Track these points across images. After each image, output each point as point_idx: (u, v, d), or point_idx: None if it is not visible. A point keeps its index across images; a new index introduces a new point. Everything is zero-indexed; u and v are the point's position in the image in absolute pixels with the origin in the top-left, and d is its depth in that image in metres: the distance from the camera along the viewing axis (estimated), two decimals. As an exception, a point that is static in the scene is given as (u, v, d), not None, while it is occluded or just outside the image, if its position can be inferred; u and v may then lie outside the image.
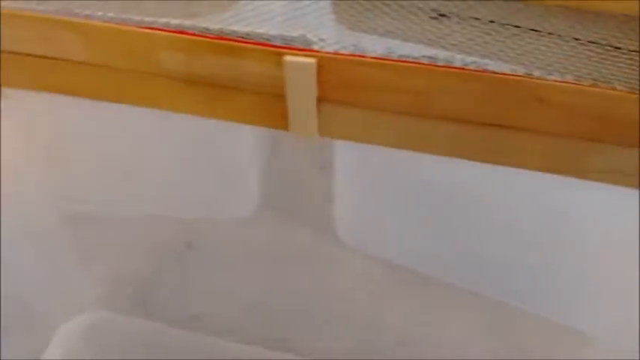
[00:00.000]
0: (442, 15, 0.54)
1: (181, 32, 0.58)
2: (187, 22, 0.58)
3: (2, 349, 0.99)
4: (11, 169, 0.83)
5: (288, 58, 0.56)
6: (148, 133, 0.89)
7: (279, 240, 1.10)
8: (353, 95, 0.58)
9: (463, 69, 0.54)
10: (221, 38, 0.57)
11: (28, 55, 0.65)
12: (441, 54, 0.54)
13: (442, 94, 0.55)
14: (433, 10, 0.54)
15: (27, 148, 0.80)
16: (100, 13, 0.60)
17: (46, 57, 0.65)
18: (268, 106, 0.61)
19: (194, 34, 0.58)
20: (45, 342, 1.08)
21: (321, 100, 0.59)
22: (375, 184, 0.96)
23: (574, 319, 0.90)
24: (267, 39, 0.57)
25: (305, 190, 1.05)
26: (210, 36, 0.58)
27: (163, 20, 0.58)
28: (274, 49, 0.56)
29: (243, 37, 0.57)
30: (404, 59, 0.55)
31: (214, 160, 0.97)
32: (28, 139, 0.79)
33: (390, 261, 1.04)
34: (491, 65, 0.53)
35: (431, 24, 0.55)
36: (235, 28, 0.57)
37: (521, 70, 0.53)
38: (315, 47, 0.56)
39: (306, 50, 0.56)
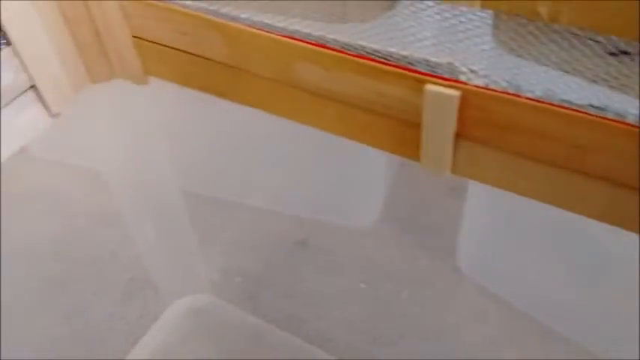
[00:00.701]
0: (623, 52, 0.46)
1: (322, 46, 0.55)
2: (329, 36, 0.54)
3: (124, 314, 1.04)
4: (143, 150, 0.86)
5: (429, 87, 0.50)
6: (278, 130, 0.87)
7: (396, 258, 1.05)
8: (497, 136, 0.51)
9: (634, 126, 0.45)
10: (361, 57, 0.53)
11: (173, 48, 0.66)
12: (613, 105, 0.46)
13: (604, 151, 0.47)
14: (612, 44, 0.46)
15: (159, 132, 0.83)
16: (244, 16, 0.58)
17: (188, 52, 0.65)
18: (401, 133, 0.56)
19: (334, 49, 0.54)
20: (156, 314, 1.13)
21: (459, 135, 0.53)
22: (508, 217, 0.87)
23: None
24: (410, 62, 0.52)
25: (431, 212, 0.99)
26: (350, 53, 0.54)
27: (306, 31, 0.55)
28: (416, 75, 0.51)
29: (384, 58, 0.53)
30: (565, 105, 0.47)
31: (342, 164, 0.94)
32: (162, 124, 0.82)
33: (509, 303, 0.95)
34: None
35: (607, 61, 0.47)
36: (378, 46, 0.53)
37: None
38: (462, 78, 0.51)
39: (451, 80, 0.50)
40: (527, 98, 0.48)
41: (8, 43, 0.62)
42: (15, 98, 0.65)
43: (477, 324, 0.99)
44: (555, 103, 0.48)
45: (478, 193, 0.88)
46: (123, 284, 1.05)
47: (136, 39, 0.67)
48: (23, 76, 0.64)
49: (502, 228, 0.90)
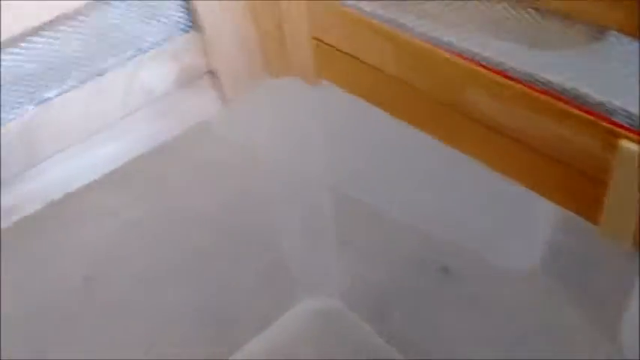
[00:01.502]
0: None
1: (501, 73, 0.49)
2: (511, 62, 0.48)
3: (255, 298, 1.07)
4: (302, 143, 0.86)
5: (625, 143, 0.42)
6: (436, 149, 0.82)
7: (547, 313, 0.94)
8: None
9: None
10: (546, 92, 0.47)
11: (347, 54, 0.64)
12: None
13: None
14: None
15: (319, 128, 0.82)
16: (412, 25, 0.54)
17: (360, 60, 0.63)
18: (580, 187, 0.49)
19: (515, 79, 0.48)
20: (285, 307, 1.14)
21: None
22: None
23: None
24: (607, 110, 0.44)
25: (600, 272, 0.88)
26: (534, 87, 0.47)
27: (485, 54, 0.50)
28: (611, 127, 0.44)
29: (574, 98, 0.46)
30: None
31: (502, 194, 0.86)
32: (323, 121, 0.81)
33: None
34: None
35: None
36: (569, 84, 0.46)
37: None
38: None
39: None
40: None
41: (195, 27, 0.64)
42: (193, 80, 0.67)
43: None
44: None
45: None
46: (260, 268, 1.07)
47: (314, 40, 0.66)
48: (204, 61, 0.66)
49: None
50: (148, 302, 0.96)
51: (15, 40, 0.52)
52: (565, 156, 0.48)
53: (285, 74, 0.72)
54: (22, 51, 0.54)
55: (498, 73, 0.49)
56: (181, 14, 0.63)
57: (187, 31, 0.64)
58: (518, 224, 0.91)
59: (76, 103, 0.59)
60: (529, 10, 0.47)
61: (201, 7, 0.62)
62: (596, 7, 0.41)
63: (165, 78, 0.64)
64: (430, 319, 1.04)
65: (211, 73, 0.68)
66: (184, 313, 1.04)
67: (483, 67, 0.50)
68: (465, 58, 0.51)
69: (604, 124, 0.44)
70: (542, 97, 0.47)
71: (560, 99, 0.46)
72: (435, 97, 0.55)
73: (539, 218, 0.88)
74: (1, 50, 0.52)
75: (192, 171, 0.91)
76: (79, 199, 0.69)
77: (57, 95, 0.57)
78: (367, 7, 0.59)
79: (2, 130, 0.55)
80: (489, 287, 1.00)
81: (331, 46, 0.65)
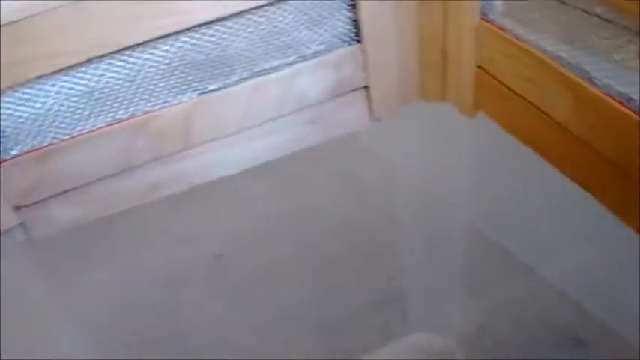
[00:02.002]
0: None
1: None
2: None
3: (366, 319, 1.05)
4: (444, 170, 0.83)
5: None
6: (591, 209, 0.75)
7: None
8: None
9: None
10: None
11: (512, 90, 0.60)
12: None
13: None
14: None
15: (464, 157, 0.79)
16: (598, 75, 0.49)
17: (527, 100, 0.58)
18: None
19: None
20: (394, 334, 1.11)
21: None
22: None
23: None
24: None
25: None
26: None
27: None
28: None
29: None
30: None
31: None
32: (470, 152, 0.78)
33: None
34: None
35: None
36: None
37: None
38: None
39: None
40: None
41: (358, 41, 0.64)
42: (347, 92, 0.67)
43: None
44: None
45: None
46: (377, 290, 1.05)
47: (478, 69, 0.63)
48: (361, 75, 0.66)
49: None
50: (263, 292, 0.99)
51: (187, 31, 0.56)
52: None
53: (439, 99, 0.70)
54: (193, 41, 0.57)
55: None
56: (347, 27, 0.63)
57: (350, 44, 0.64)
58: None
59: (235, 98, 0.61)
60: None
61: (366, 24, 0.62)
62: None
63: (321, 86, 0.65)
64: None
65: (366, 88, 0.67)
66: (294, 313, 1.06)
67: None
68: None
69: None
70: None
71: None
72: (611, 160, 0.50)
73: None
74: (173, 39, 0.56)
75: (332, 178, 0.92)
76: (221, 185, 0.73)
77: (218, 88, 0.60)
78: (548, 45, 0.54)
79: (164, 111, 0.59)
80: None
81: (495, 78, 0.62)
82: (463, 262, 0.97)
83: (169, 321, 0.93)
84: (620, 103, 0.47)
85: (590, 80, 0.50)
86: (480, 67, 0.63)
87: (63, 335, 0.74)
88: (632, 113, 0.46)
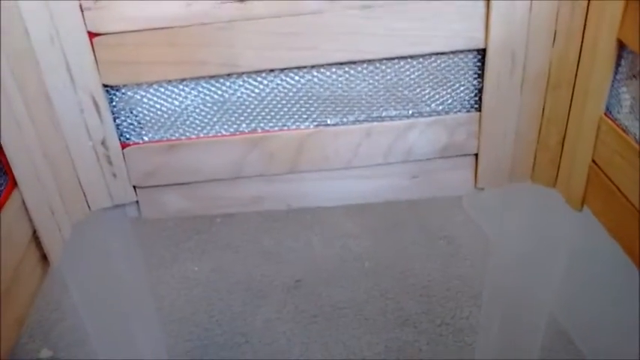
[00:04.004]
0: None
1: None
2: None
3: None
4: (536, 264, 0.81)
5: None
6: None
7: None
8: None
9: None
10: None
11: (622, 194, 0.58)
12: None
13: None
14: None
15: (562, 257, 0.76)
16: None
17: (635, 207, 0.56)
18: None
19: None
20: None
21: None
22: None
23: None
24: None
25: None
26: None
27: None
28: None
29: None
30: None
31: None
32: (569, 251, 0.75)
33: None
34: None
35: None
36: None
37: None
38: None
39: None
40: None
41: (477, 109, 0.66)
42: (456, 156, 0.69)
43: None
44: None
45: None
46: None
47: (593, 164, 0.62)
48: (473, 143, 0.67)
49: None
50: (331, 326, 1.00)
51: (320, 67, 0.60)
52: None
53: (548, 185, 0.69)
54: (322, 76, 0.62)
55: None
56: (470, 93, 0.65)
57: (469, 111, 0.66)
58: None
59: (348, 136, 0.65)
60: None
61: (489, 94, 0.64)
62: None
63: (431, 145, 0.67)
64: None
65: (476, 156, 0.68)
66: (353, 354, 1.06)
67: None
68: None
69: None
70: None
71: None
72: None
73: None
74: (305, 71, 0.61)
75: (424, 235, 0.92)
76: (316, 215, 0.76)
77: (335, 124, 0.64)
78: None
79: (281, 134, 0.64)
80: None
81: (608, 177, 0.60)
82: (535, 350, 0.93)
83: (238, 327, 0.97)
84: None
85: None
86: (595, 162, 0.62)
87: (136, 314, 0.80)
88: None
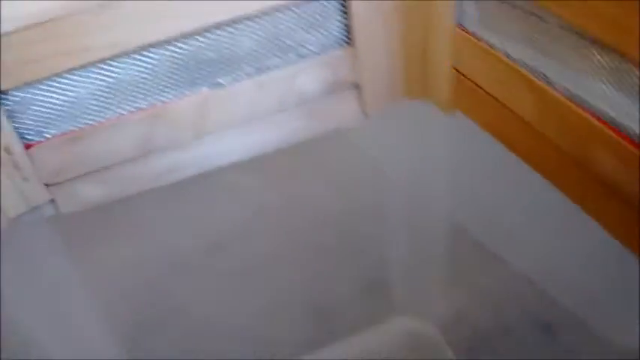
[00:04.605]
0: None
1: (620, 134, 0.51)
2: (624, 121, 0.51)
3: (354, 310, 1.13)
4: (425, 168, 0.92)
5: None
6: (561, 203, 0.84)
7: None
8: None
9: None
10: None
11: (485, 91, 0.69)
12: None
13: None
14: None
15: (445, 158, 0.87)
16: (556, 80, 0.58)
17: (498, 100, 0.67)
18: None
19: (628, 139, 0.51)
20: (375, 322, 1.19)
21: None
22: None
23: None
24: None
25: None
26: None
27: (612, 114, 0.52)
28: None
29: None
30: None
31: (620, 261, 0.86)
32: (452, 152, 0.86)
33: None
34: None
35: None
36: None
37: None
38: None
39: None
40: None
41: (349, 43, 0.73)
42: (340, 90, 0.76)
43: None
44: None
45: None
46: (364, 277, 1.14)
47: (454, 70, 0.72)
48: (352, 74, 0.75)
49: None
50: (258, 278, 1.06)
51: (202, 30, 0.64)
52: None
53: (421, 97, 0.78)
54: (206, 40, 0.65)
55: (619, 134, 0.52)
56: (340, 30, 0.72)
57: (343, 46, 0.73)
58: (635, 295, 0.89)
59: (241, 92, 0.69)
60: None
61: (357, 27, 0.70)
62: None
63: (317, 84, 0.73)
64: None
65: (357, 86, 0.76)
66: (287, 297, 1.13)
67: (606, 125, 0.52)
68: (593, 116, 0.54)
69: None
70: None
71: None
72: (566, 151, 0.58)
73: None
74: (189, 37, 0.64)
75: (322, 171, 1.00)
76: (220, 176, 0.80)
77: (227, 83, 0.68)
78: (514, 52, 0.63)
79: (179, 103, 0.67)
80: (588, 351, 0.98)
81: (469, 79, 0.71)
82: (443, 253, 1.05)
83: (171, 302, 1.00)
84: (577, 104, 0.56)
85: (551, 84, 0.59)
86: (455, 69, 0.72)
87: (76, 306, 0.81)
88: (586, 113, 0.55)
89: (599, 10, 0.48)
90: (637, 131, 0.51)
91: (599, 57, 0.52)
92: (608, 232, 0.57)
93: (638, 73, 0.49)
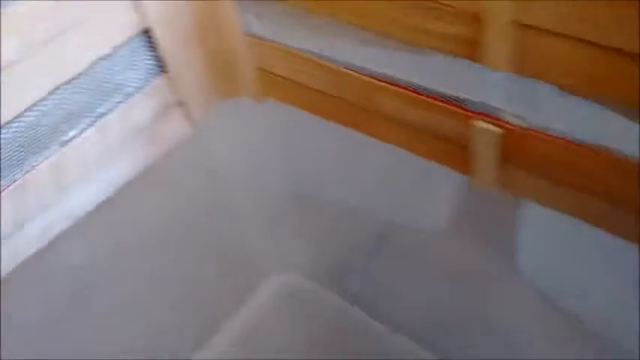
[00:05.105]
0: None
1: (393, 84, 0.71)
2: (401, 76, 0.71)
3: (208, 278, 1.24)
4: (259, 154, 1.06)
5: (477, 123, 0.66)
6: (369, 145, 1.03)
7: (464, 259, 1.18)
8: (533, 164, 0.66)
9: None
10: (422, 94, 0.69)
11: (288, 79, 0.85)
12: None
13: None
14: None
15: (272, 141, 1.03)
16: (339, 57, 0.76)
17: (299, 83, 0.84)
18: (459, 154, 0.72)
19: (403, 87, 0.71)
20: (251, 290, 1.34)
21: (504, 160, 0.68)
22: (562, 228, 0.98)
23: None
24: (462, 101, 0.67)
25: (497, 220, 1.11)
26: (416, 91, 0.70)
27: (382, 71, 0.72)
28: (466, 113, 0.67)
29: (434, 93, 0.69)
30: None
31: (419, 175, 1.09)
32: (275, 134, 1.02)
33: (567, 311, 1.05)
34: None
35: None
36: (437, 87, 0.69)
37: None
38: (507, 119, 0.65)
39: (493, 118, 0.65)
40: (555, 137, 0.62)
41: (164, 70, 0.83)
42: (168, 111, 0.86)
43: (529, 322, 1.11)
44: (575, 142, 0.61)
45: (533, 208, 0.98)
46: (228, 258, 1.27)
47: (258, 69, 0.87)
48: (173, 96, 0.86)
49: (563, 238, 1.01)
50: (139, 301, 1.13)
51: (34, 105, 0.70)
52: (445, 135, 0.71)
53: (236, 95, 0.92)
54: (43, 107, 0.72)
55: (393, 84, 0.71)
56: (153, 62, 0.82)
57: (160, 74, 0.83)
58: (427, 191, 1.14)
59: (87, 141, 0.77)
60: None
61: (166, 56, 0.81)
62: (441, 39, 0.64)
63: (148, 114, 0.83)
64: (379, 278, 1.28)
65: (181, 103, 0.87)
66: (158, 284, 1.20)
67: (383, 81, 0.72)
68: (372, 77, 0.73)
69: (462, 111, 0.67)
70: (420, 97, 0.69)
71: (433, 98, 0.69)
72: (358, 103, 0.77)
73: (442, 184, 1.12)
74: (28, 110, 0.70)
75: (168, 190, 1.08)
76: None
77: (73, 136, 0.75)
78: (298, 44, 0.80)
79: (37, 169, 0.73)
80: (416, 247, 1.23)
81: (271, 72, 0.86)
82: (292, 213, 1.23)
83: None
84: (348, 68, 0.75)
85: (333, 61, 0.77)
86: (259, 68, 0.87)
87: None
88: (352, 71, 0.74)
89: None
90: (403, 78, 0.71)
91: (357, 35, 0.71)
92: (403, 148, 0.78)
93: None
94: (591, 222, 0.67)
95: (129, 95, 0.80)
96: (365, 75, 0.74)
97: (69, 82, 0.72)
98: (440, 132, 0.71)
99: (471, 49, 0.61)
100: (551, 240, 1.04)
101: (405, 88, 0.71)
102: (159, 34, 0.79)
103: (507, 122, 0.65)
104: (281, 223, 1.25)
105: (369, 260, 1.28)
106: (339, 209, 1.22)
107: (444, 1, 0.60)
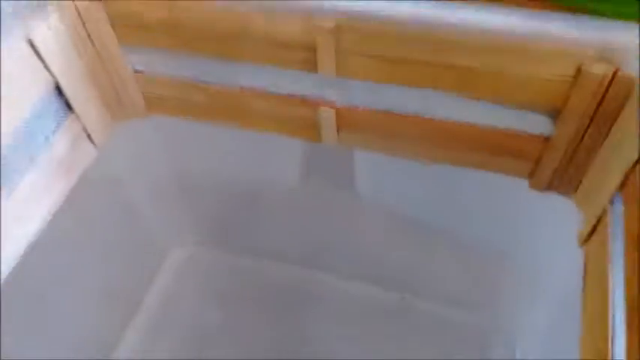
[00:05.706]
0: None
1: (259, 92, 1.02)
2: (265, 86, 1.01)
3: (116, 267, 1.47)
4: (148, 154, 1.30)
5: (321, 109, 0.99)
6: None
7: (317, 197, 1.53)
8: (356, 127, 1.02)
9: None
10: (287, 96, 1.01)
11: (169, 98, 1.10)
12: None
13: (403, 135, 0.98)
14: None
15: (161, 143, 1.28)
16: (211, 79, 1.04)
17: (180, 98, 1.10)
18: (311, 130, 1.05)
19: (267, 93, 1.02)
20: (155, 265, 1.59)
21: (339, 128, 1.03)
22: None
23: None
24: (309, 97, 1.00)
25: (334, 158, 1.45)
26: (279, 95, 1.01)
27: (249, 85, 1.02)
28: (313, 104, 1.00)
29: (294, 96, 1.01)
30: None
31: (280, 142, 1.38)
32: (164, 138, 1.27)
33: (396, 212, 1.46)
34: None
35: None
36: (294, 91, 1.01)
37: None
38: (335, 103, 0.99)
39: (330, 105, 0.99)
40: (366, 109, 0.98)
41: (71, 111, 1.04)
42: (79, 143, 1.08)
43: (371, 230, 1.50)
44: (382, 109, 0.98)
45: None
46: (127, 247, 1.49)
47: (146, 95, 1.11)
48: (82, 130, 1.07)
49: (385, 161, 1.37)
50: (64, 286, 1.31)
51: None
52: (298, 118, 1.04)
53: (128, 118, 1.16)
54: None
55: (259, 92, 1.02)
56: (63, 108, 1.03)
57: (69, 116, 1.04)
58: (280, 153, 1.45)
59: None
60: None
61: (71, 100, 1.02)
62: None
63: (65, 150, 1.04)
64: (263, 227, 1.59)
65: (88, 134, 1.09)
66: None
67: (250, 91, 1.02)
68: (237, 88, 1.02)
69: (312, 103, 1.00)
70: (284, 97, 1.01)
71: (291, 97, 1.01)
72: (227, 107, 1.06)
73: (292, 147, 1.44)
74: None
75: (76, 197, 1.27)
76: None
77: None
78: (173, 71, 1.05)
79: None
80: (276, 199, 1.56)
81: (155, 95, 1.11)
82: (179, 194, 1.48)
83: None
84: (226, 86, 1.03)
85: (207, 83, 1.04)
86: (143, 92, 1.11)
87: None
88: (214, 85, 1.03)
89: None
90: (267, 87, 1.01)
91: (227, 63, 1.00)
92: (266, 131, 1.10)
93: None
94: (400, 155, 1.05)
95: (48, 141, 1.01)
96: (235, 88, 1.03)
97: None
98: (296, 117, 1.04)
99: (311, 65, 0.93)
100: (376, 169, 1.43)
101: (269, 94, 1.02)
102: (63, 84, 1.00)
103: (337, 106, 0.99)
104: (172, 206, 1.51)
105: (249, 215, 1.60)
106: (218, 182, 1.51)
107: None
